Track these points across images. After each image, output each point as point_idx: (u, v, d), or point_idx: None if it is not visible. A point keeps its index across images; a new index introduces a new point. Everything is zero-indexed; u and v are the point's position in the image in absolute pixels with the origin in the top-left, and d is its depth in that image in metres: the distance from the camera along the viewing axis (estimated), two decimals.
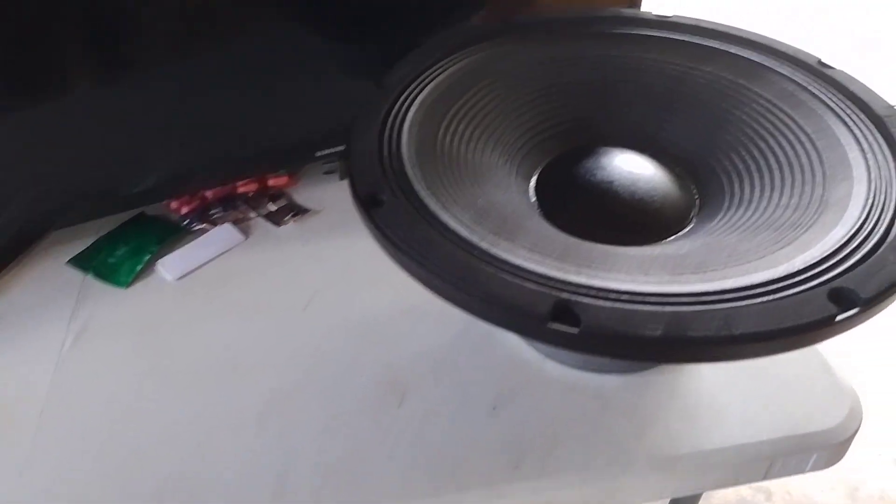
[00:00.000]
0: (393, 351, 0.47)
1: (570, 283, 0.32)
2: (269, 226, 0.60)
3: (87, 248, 0.59)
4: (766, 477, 0.42)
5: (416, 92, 0.45)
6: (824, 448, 0.41)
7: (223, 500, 0.41)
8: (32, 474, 0.43)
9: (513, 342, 0.47)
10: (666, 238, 0.41)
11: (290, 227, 0.60)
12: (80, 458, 0.43)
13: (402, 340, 0.48)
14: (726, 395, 0.43)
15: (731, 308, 0.30)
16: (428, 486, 0.40)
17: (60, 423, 0.46)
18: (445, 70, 0.47)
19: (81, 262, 0.58)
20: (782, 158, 0.41)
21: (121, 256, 0.57)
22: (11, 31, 0.47)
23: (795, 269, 0.32)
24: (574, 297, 0.31)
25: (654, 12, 0.53)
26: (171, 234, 0.59)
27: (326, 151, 0.62)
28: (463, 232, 0.35)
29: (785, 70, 0.46)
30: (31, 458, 0.44)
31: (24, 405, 0.47)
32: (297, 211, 0.61)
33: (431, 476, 0.41)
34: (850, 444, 0.42)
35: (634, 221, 0.42)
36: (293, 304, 0.52)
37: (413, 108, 0.44)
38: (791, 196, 0.38)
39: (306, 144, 0.61)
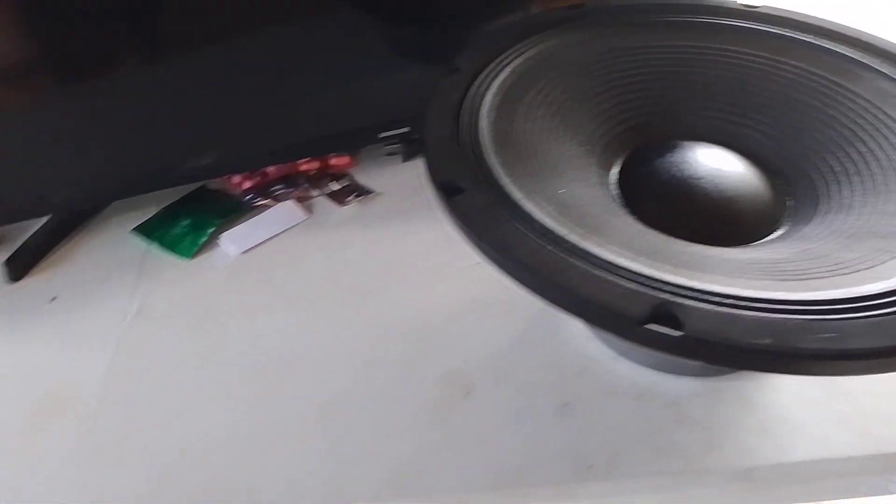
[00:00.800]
0: (456, 347, 0.46)
1: (668, 283, 0.30)
2: (331, 205, 0.59)
3: (150, 218, 0.59)
4: (852, 495, 0.40)
5: (491, 76, 0.44)
6: None
7: None
8: (87, 463, 0.43)
9: (581, 338, 0.46)
10: (755, 241, 0.39)
11: (353, 207, 0.59)
12: (131, 455, 0.43)
13: (466, 336, 0.47)
14: (805, 407, 0.41)
15: (843, 320, 0.28)
16: (494, 484, 0.39)
17: (116, 412, 0.45)
18: (520, 55, 0.45)
19: (145, 231, 0.58)
20: (885, 162, 0.39)
21: (185, 228, 0.57)
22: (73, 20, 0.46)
23: None
24: (674, 299, 0.29)
25: (740, 1, 0.51)
26: (233, 209, 0.59)
27: (389, 133, 0.61)
28: (550, 224, 0.34)
29: (884, 68, 0.43)
30: (84, 447, 0.43)
31: (84, 387, 0.47)
32: (360, 192, 0.60)
33: (497, 474, 0.40)
34: None
35: (724, 221, 0.40)
36: (354, 292, 0.51)
37: (490, 92, 0.42)
38: None
39: (369, 126, 0.60)
